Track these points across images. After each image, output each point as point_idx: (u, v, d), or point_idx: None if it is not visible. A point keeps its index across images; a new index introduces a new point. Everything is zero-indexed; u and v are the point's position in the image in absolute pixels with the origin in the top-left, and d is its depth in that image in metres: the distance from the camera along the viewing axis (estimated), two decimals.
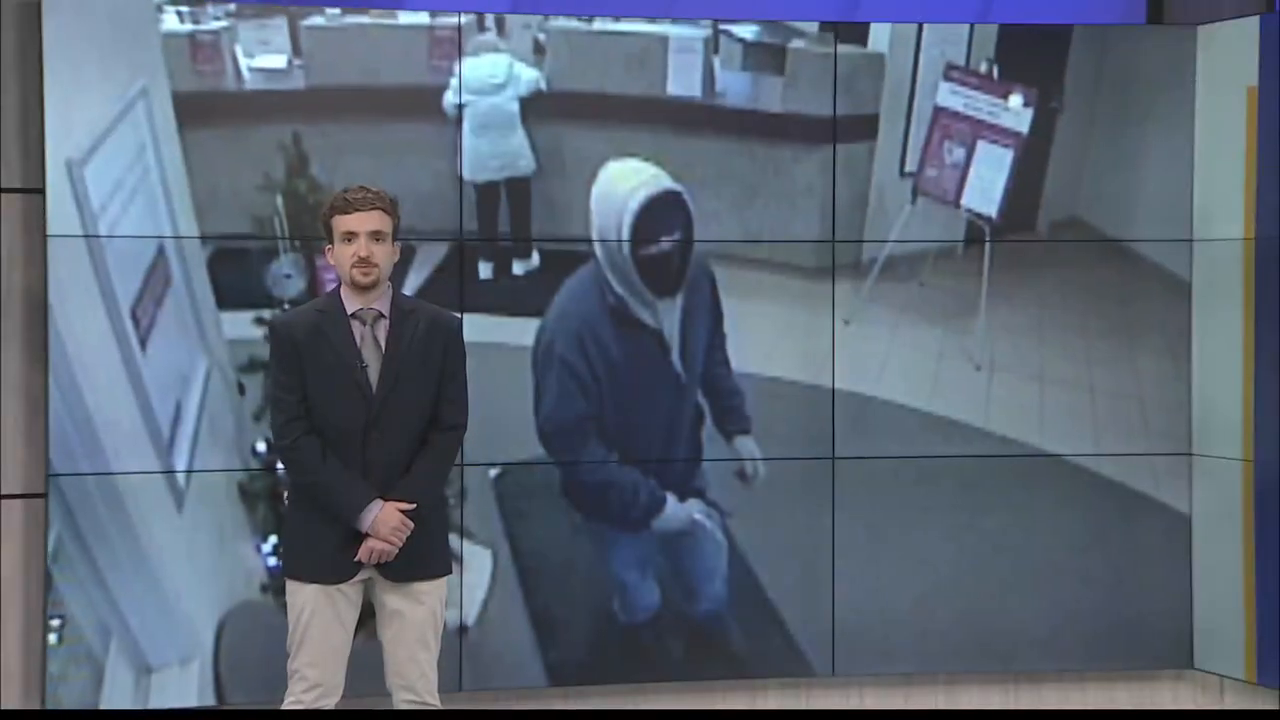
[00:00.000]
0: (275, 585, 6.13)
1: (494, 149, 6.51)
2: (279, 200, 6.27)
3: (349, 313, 4.56)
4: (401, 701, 4.62)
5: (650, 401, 6.62)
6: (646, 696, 6.36)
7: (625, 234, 6.60)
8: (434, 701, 4.62)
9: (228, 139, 6.24)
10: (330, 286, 5.66)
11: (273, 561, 6.18)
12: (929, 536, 6.59)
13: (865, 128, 6.78)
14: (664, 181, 6.64)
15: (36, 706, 5.55)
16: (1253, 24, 5.95)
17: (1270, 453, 5.91)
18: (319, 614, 4.54)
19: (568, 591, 6.56)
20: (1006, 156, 6.75)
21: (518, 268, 6.56)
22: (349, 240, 4.53)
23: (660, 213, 6.62)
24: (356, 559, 4.54)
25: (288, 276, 6.23)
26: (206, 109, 6.23)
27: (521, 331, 6.51)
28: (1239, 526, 6.05)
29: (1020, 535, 6.59)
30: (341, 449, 4.55)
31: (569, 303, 6.53)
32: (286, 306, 6.16)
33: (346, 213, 4.53)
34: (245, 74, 6.29)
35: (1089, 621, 6.47)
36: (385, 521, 4.52)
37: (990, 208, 6.83)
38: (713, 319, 6.67)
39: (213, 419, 6.24)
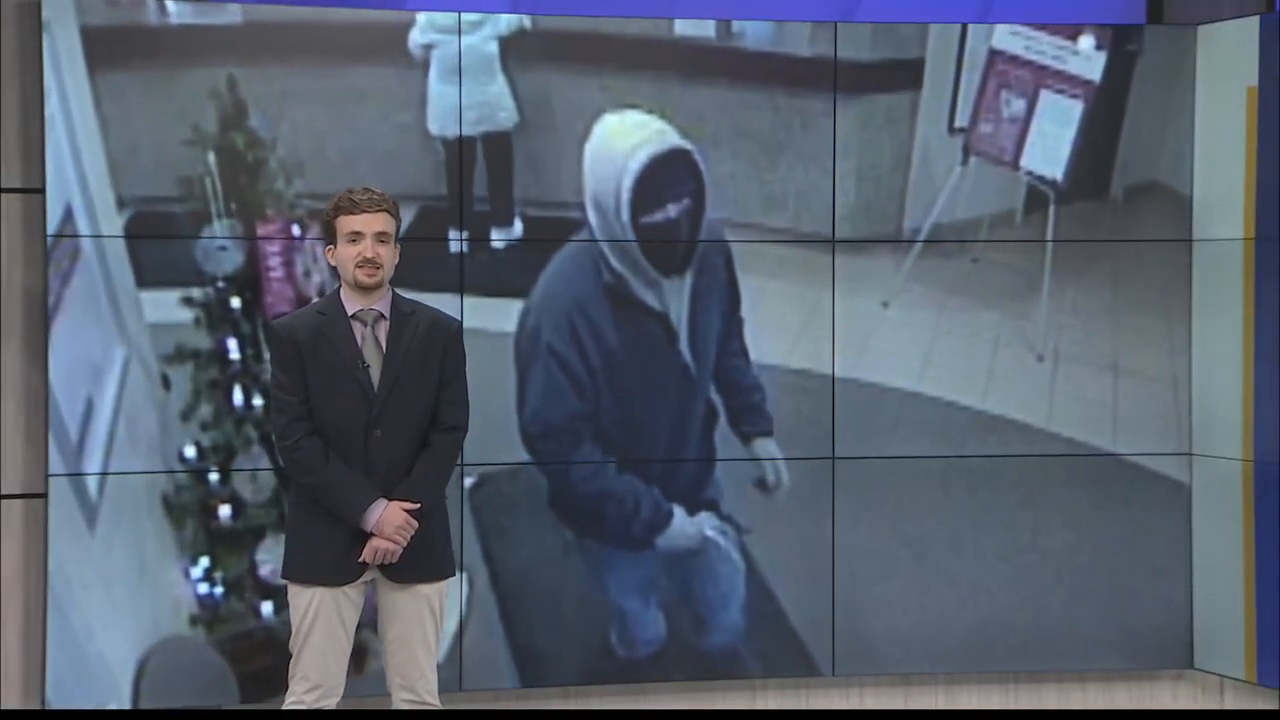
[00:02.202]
0: (207, 617, 5.93)
1: (468, 98, 6.15)
2: (211, 158, 5.92)
3: (349, 314, 4.70)
4: (401, 701, 4.75)
5: (654, 398, 6.30)
6: (647, 696, 6.24)
7: (625, 200, 6.26)
8: (434, 702, 4.75)
9: (149, 84, 5.87)
10: (273, 259, 5.82)
11: (204, 589, 5.92)
12: (929, 536, 6.42)
13: (908, 75, 6.42)
14: (670, 138, 6.29)
15: (36, 706, 5.66)
16: (1253, 24, 6.05)
17: (1270, 453, 6.01)
18: (322, 616, 4.68)
19: (557, 622, 6.24)
20: (1074, 109, 6.40)
21: (497, 239, 6.19)
22: (354, 241, 4.67)
23: (666, 175, 6.27)
24: (361, 559, 4.67)
25: (222, 249, 5.92)
26: (123, 47, 5.86)
27: (502, 315, 6.17)
28: (1239, 527, 6.13)
29: (1021, 535, 6.44)
30: (344, 449, 4.68)
31: (558, 281, 6.22)
32: (220, 285, 5.92)
33: (353, 213, 4.67)
34: (170, 6, 5.92)
35: (1089, 621, 6.41)
36: (389, 520, 4.64)
37: (1055, 169, 6.46)
38: (727, 301, 6.36)
39: (131, 419, 5.88)
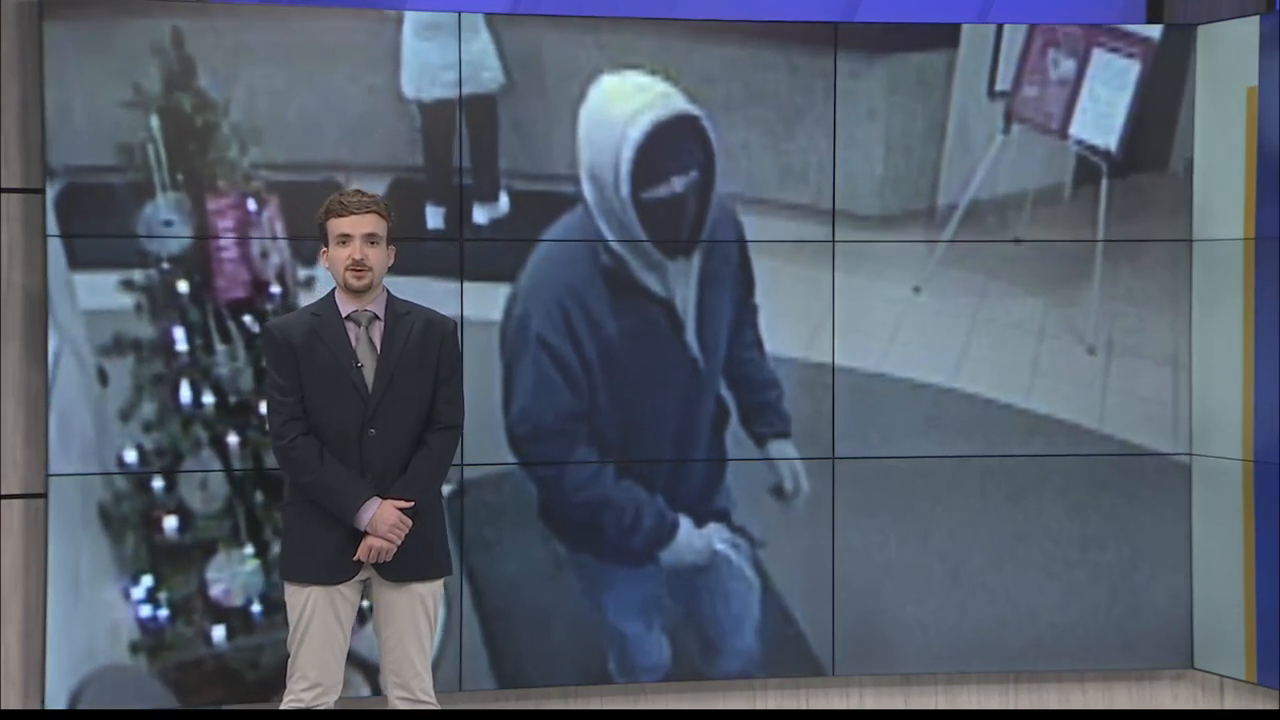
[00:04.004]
0: (150, 644, 5.84)
1: (447, 56, 6.02)
2: (154, 122, 5.80)
3: (344, 315, 4.96)
4: (396, 700, 4.98)
5: (657, 395, 6.21)
6: (647, 696, 6.29)
7: (624, 172, 6.14)
8: (428, 699, 4.99)
9: (83, 37, 5.79)
10: (224, 232, 5.84)
11: (147, 611, 5.82)
12: (932, 534, 6.40)
13: (943, 32, 6.34)
14: (676, 103, 6.17)
15: (36, 706, 5.82)
16: (1253, 24, 6.27)
17: (1270, 453, 6.19)
18: (319, 614, 4.91)
19: (548, 647, 6.17)
20: (1130, 70, 6.29)
21: (480, 215, 6.05)
22: (344, 243, 4.92)
23: (671, 144, 6.17)
24: (356, 558, 4.90)
25: (168, 224, 5.81)
26: None
27: (486, 301, 6.08)
28: (1239, 526, 6.31)
29: (1019, 535, 6.43)
30: (339, 450, 4.93)
31: (549, 264, 6.12)
32: (165, 266, 5.81)
33: (341, 216, 4.92)
34: None
35: (1089, 621, 6.46)
36: (383, 519, 4.87)
37: (1108, 139, 6.34)
38: (740, 286, 6.26)
39: (64, 418, 5.81)
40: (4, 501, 5.83)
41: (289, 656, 4.97)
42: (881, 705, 6.39)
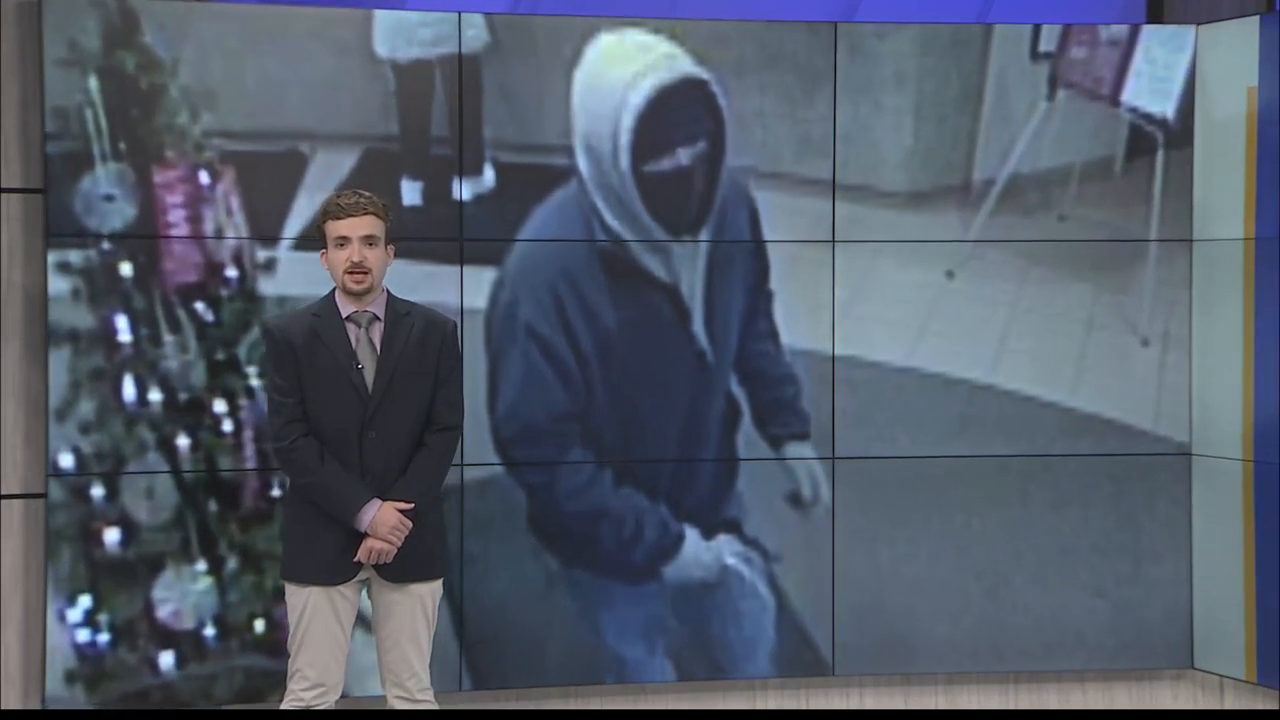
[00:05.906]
0: (89, 672, 5.69)
1: (424, 14, 5.95)
2: (93, 84, 5.66)
3: (344, 316, 5.17)
4: (394, 699, 5.18)
5: (660, 392, 6.09)
6: (647, 696, 6.35)
7: (624, 143, 6.02)
8: (425, 699, 5.19)
9: None
10: (174, 214, 5.81)
11: (85, 636, 5.66)
12: (967, 543, 6.35)
13: None
14: (681, 65, 6.04)
15: (36, 706, 5.96)
16: (1253, 24, 6.46)
17: (1270, 453, 6.36)
18: (319, 614, 5.10)
19: (539, 671, 6.05)
20: (1187, 32, 6.21)
21: (462, 191, 5.93)
22: (342, 245, 5.13)
23: (676, 112, 6.05)
24: (355, 559, 5.09)
25: (109, 199, 5.66)
26: None
27: (470, 287, 5.94)
28: (1239, 526, 6.49)
29: (1019, 535, 6.42)
30: (339, 450, 5.12)
31: (540, 246, 6.01)
32: (107, 246, 5.66)
33: (339, 218, 5.13)
34: None
35: (1089, 621, 6.52)
36: (384, 521, 5.06)
37: (1164, 106, 6.23)
38: (753, 271, 6.15)
39: None
40: (4, 501, 6.02)
41: (289, 656, 5.10)
42: (881, 705, 6.54)
